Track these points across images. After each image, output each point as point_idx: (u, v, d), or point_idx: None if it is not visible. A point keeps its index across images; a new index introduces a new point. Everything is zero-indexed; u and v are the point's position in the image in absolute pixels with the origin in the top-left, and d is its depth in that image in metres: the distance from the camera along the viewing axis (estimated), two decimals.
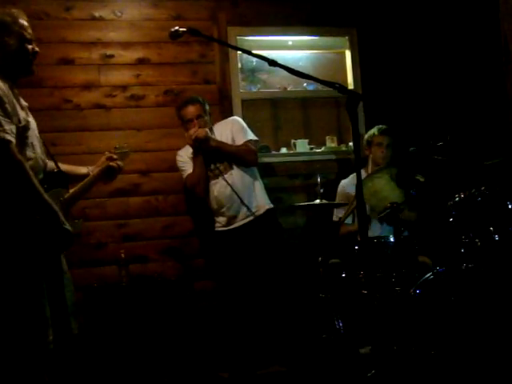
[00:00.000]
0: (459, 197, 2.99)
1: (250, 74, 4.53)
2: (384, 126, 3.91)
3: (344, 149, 4.52)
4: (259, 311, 3.65)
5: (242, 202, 3.66)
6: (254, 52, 2.50)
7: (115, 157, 2.79)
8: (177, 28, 2.62)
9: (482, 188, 2.96)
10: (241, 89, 4.35)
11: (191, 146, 3.68)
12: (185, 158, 3.82)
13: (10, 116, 2.33)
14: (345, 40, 4.59)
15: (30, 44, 2.50)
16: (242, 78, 4.43)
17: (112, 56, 4.08)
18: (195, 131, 3.62)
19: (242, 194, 3.67)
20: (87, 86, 4.04)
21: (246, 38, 4.39)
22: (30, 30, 2.51)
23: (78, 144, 3.95)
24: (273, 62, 2.30)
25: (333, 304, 3.23)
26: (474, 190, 2.97)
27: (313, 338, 3.51)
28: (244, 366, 3.63)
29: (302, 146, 4.43)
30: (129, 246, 3.95)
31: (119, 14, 4.13)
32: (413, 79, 4.53)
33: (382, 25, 4.56)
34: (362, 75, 4.54)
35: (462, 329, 2.76)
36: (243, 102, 4.31)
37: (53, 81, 3.98)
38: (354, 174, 3.84)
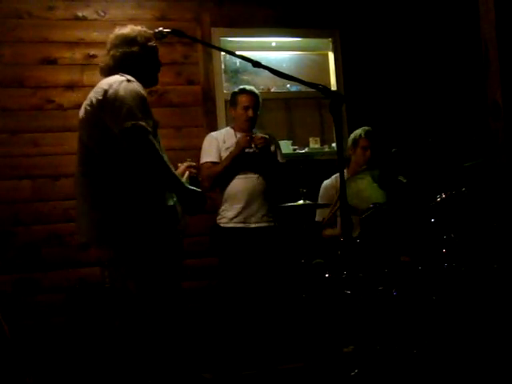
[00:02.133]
0: (440, 197, 3.04)
1: (234, 74, 4.53)
2: (369, 128, 3.93)
3: (327, 150, 4.55)
4: (244, 312, 3.66)
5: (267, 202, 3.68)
6: (238, 53, 2.52)
7: (194, 164, 2.95)
8: (161, 29, 2.64)
9: (463, 189, 3.01)
10: (224, 90, 4.35)
11: (256, 144, 3.66)
12: (220, 143, 3.74)
13: (148, 114, 2.56)
14: (328, 42, 4.62)
15: (156, 56, 2.72)
16: (226, 79, 4.43)
17: (95, 56, 4.05)
18: (263, 138, 3.66)
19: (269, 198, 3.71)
20: (70, 86, 4.01)
21: (230, 39, 4.39)
22: (154, 45, 2.72)
23: (61, 144, 3.91)
24: (256, 63, 2.32)
25: (316, 304, 3.25)
26: (454, 191, 3.01)
27: (296, 337, 3.53)
28: (227, 367, 3.63)
29: (285, 147, 4.44)
30: None
31: (102, 14, 4.12)
32: (395, 81, 4.58)
33: (365, 27, 4.61)
34: (344, 77, 4.57)
35: (443, 328, 2.80)
36: (227, 102, 4.30)
37: (35, 81, 3.95)
38: (337, 174, 3.86)
